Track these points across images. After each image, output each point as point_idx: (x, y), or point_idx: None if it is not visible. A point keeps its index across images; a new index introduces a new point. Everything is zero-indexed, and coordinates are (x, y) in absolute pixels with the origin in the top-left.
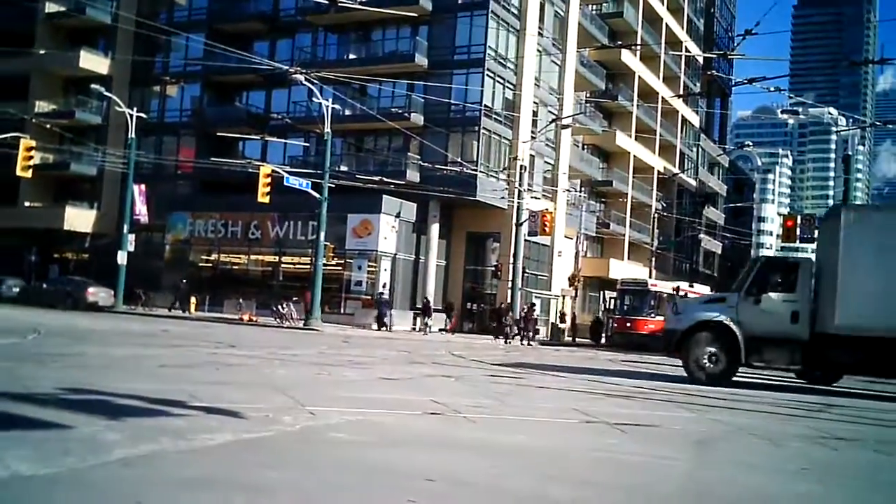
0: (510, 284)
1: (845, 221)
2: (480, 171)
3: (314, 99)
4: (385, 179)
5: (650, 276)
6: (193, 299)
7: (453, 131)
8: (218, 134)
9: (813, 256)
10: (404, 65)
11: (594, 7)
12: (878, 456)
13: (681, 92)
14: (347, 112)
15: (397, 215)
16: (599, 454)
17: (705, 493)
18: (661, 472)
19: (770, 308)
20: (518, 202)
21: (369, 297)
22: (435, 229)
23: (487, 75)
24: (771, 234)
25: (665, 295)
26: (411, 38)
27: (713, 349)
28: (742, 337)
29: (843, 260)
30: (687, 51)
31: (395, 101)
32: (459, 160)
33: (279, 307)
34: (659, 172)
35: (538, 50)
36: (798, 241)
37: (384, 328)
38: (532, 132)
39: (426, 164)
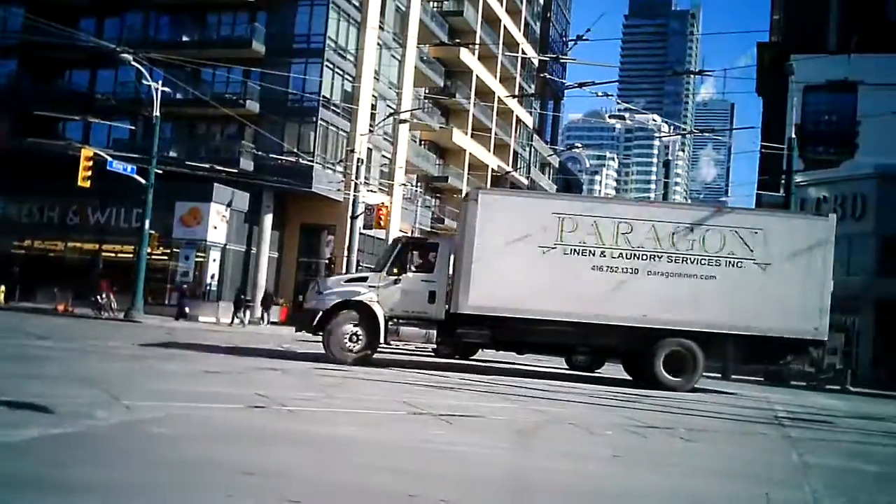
0: None
1: (481, 204)
2: (317, 163)
3: (143, 81)
4: (217, 167)
5: None
6: (2, 288)
7: (290, 121)
8: (36, 113)
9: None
10: (241, 50)
11: (435, 4)
12: (685, 443)
13: (516, 92)
14: (179, 96)
15: (228, 204)
16: (424, 445)
17: (524, 479)
18: (483, 460)
19: (409, 288)
20: (354, 195)
21: (185, 287)
22: (268, 220)
23: (327, 66)
24: None
25: None
26: (249, 24)
27: (355, 329)
28: (382, 316)
29: (477, 242)
30: (523, 53)
31: (231, 87)
32: (296, 150)
33: (97, 298)
34: (493, 170)
35: (378, 43)
36: None
37: (182, 319)
38: (370, 125)
39: (261, 153)
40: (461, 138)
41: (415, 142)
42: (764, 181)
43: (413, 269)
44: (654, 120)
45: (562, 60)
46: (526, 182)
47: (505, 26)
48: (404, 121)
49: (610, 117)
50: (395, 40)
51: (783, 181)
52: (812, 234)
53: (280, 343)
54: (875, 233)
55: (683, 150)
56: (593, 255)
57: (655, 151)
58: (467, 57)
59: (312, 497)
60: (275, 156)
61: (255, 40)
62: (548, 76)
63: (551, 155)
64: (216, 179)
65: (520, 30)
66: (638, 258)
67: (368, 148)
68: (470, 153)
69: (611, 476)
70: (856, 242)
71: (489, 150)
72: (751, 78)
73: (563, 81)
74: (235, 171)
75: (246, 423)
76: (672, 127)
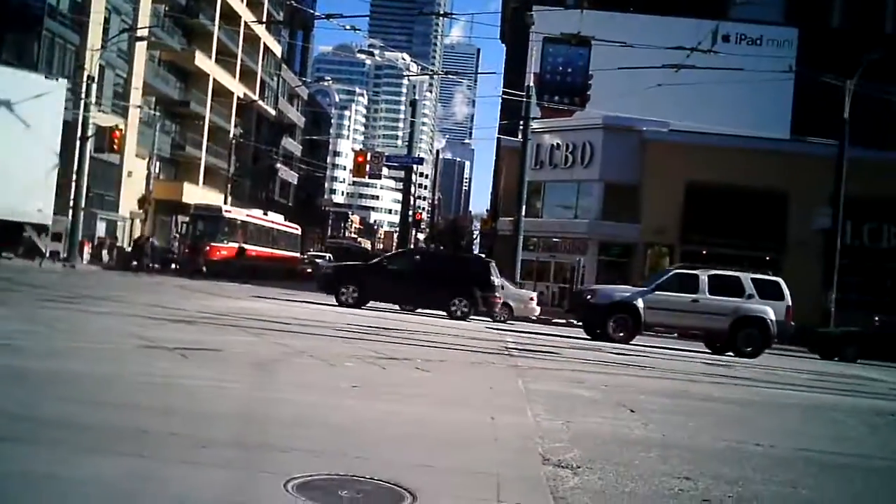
0: (72, 203)
1: None
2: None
3: None
4: None
5: (226, 203)
6: None
7: (10, 29)
8: None
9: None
10: None
11: None
12: (421, 373)
13: (264, 18)
14: None
15: None
16: (152, 379)
17: (255, 412)
18: (214, 394)
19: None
20: (84, 115)
21: None
22: None
23: None
24: (344, 168)
25: (239, 221)
26: None
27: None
28: None
29: None
30: None
31: None
32: (15, 62)
33: None
34: (239, 98)
35: None
36: (367, 177)
37: None
38: (103, 41)
39: None
40: (205, 62)
41: (153, 62)
42: (504, 125)
43: None
44: (403, 59)
45: None
46: (273, 113)
47: None
48: (141, 38)
49: (359, 52)
50: None
51: (521, 126)
52: (40, 98)
53: None
54: (600, 179)
55: (431, 91)
56: None
57: (404, 91)
58: None
59: (24, 435)
60: None
61: None
62: (297, 4)
63: (299, 86)
64: None
65: None
66: None
67: (101, 65)
68: (214, 79)
69: (344, 406)
70: (583, 188)
71: (235, 77)
72: (495, 25)
73: (313, 12)
74: None
75: None
76: (420, 67)
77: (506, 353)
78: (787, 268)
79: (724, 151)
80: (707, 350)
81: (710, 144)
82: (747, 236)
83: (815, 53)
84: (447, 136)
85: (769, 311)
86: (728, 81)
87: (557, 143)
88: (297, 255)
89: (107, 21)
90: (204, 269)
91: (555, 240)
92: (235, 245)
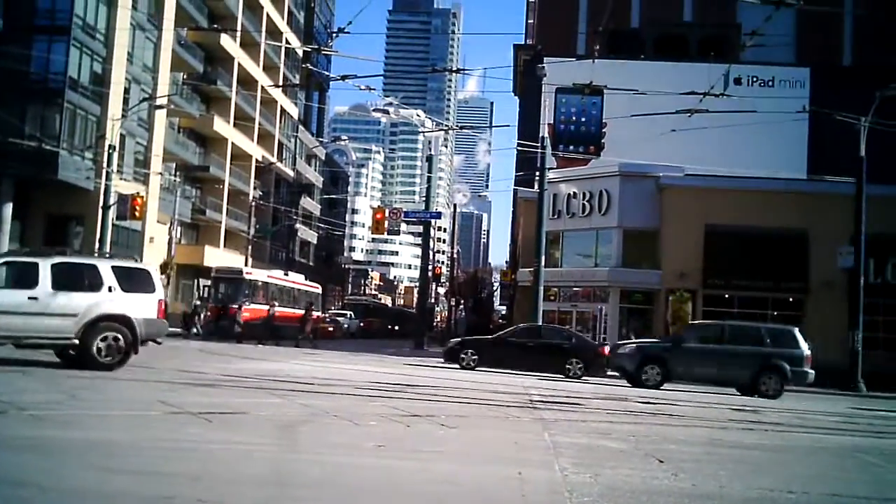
0: None
1: None
2: (63, 148)
3: None
4: None
5: (246, 264)
6: None
7: (32, 102)
8: None
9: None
10: None
11: None
12: (446, 430)
13: (280, 82)
14: None
15: None
16: (177, 444)
17: (286, 473)
18: (242, 457)
19: None
20: (106, 184)
21: None
22: (8, 210)
23: (73, 45)
24: (363, 225)
25: (260, 282)
26: None
27: None
28: None
29: None
30: (287, 42)
31: None
32: (38, 135)
33: None
34: (257, 161)
35: (132, 24)
36: (386, 234)
37: None
38: (123, 110)
39: None
40: (223, 127)
41: (173, 129)
42: (520, 177)
43: None
44: (417, 115)
45: (324, 52)
46: (292, 173)
47: (268, 14)
48: (161, 106)
49: (374, 111)
50: (151, 21)
51: (537, 177)
52: None
53: None
54: (618, 226)
55: (447, 146)
56: None
57: (420, 146)
58: (229, 43)
59: None
60: (14, 140)
61: None
62: (312, 67)
63: (317, 146)
64: None
65: (283, 18)
66: None
67: (122, 134)
68: (233, 142)
69: (371, 466)
70: (602, 236)
71: (253, 140)
72: (507, 78)
73: (328, 73)
74: None
75: None
76: (435, 123)
77: (530, 405)
78: (812, 308)
79: (742, 193)
80: (736, 393)
81: (727, 187)
82: (770, 278)
83: (828, 92)
84: (463, 191)
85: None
86: (742, 124)
87: (574, 192)
88: (319, 314)
89: (126, 91)
90: (239, 330)
91: (575, 289)
92: (257, 307)
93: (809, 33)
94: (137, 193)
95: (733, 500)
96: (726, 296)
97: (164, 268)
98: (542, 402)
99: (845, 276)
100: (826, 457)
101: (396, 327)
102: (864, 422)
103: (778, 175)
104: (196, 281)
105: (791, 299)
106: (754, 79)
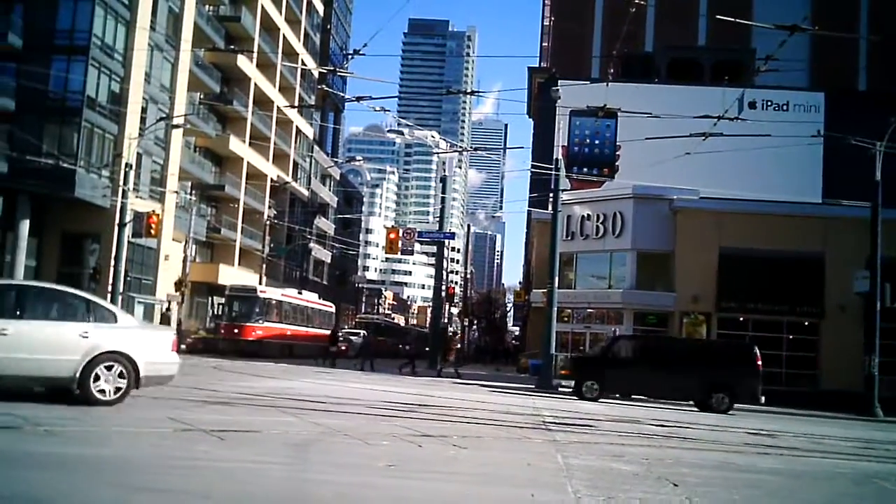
0: (110, 288)
1: None
2: (80, 166)
3: None
4: None
5: (260, 283)
6: None
7: (50, 121)
8: None
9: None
10: None
11: (211, 8)
12: (458, 450)
13: (296, 103)
14: None
15: None
16: (190, 462)
17: (297, 491)
18: (254, 475)
19: None
20: (122, 201)
21: None
22: (25, 227)
23: (92, 64)
24: (377, 245)
25: (274, 301)
26: (2, 15)
27: None
28: None
29: None
30: (303, 63)
31: None
32: (56, 153)
33: None
34: (272, 180)
35: (150, 45)
36: (399, 254)
37: None
38: (140, 129)
39: (16, 155)
40: (239, 146)
41: (189, 148)
42: (534, 198)
43: None
44: (432, 136)
45: (340, 73)
46: (306, 193)
47: (284, 35)
48: (177, 126)
49: (389, 132)
50: (168, 42)
51: (551, 199)
52: None
53: None
54: (632, 248)
55: (461, 167)
56: None
57: (434, 167)
58: (245, 64)
59: None
60: (32, 158)
61: (11, 33)
62: (327, 88)
63: (331, 167)
64: None
65: (299, 40)
66: None
67: (138, 153)
68: (248, 162)
69: (382, 486)
70: (616, 258)
71: (268, 160)
72: (522, 101)
73: (344, 94)
74: None
75: None
76: (449, 144)
77: (543, 427)
78: (827, 332)
79: (756, 217)
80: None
81: (741, 210)
82: (785, 301)
83: (842, 116)
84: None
85: None
86: (757, 147)
87: (588, 214)
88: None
89: (144, 110)
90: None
91: (589, 310)
92: (271, 325)
93: (824, 58)
94: (153, 211)
95: None
96: (741, 319)
97: (178, 285)
98: (555, 423)
99: (861, 301)
100: (843, 482)
101: (408, 346)
102: (881, 447)
103: (793, 199)
104: (210, 298)
105: (806, 323)
106: (769, 103)
